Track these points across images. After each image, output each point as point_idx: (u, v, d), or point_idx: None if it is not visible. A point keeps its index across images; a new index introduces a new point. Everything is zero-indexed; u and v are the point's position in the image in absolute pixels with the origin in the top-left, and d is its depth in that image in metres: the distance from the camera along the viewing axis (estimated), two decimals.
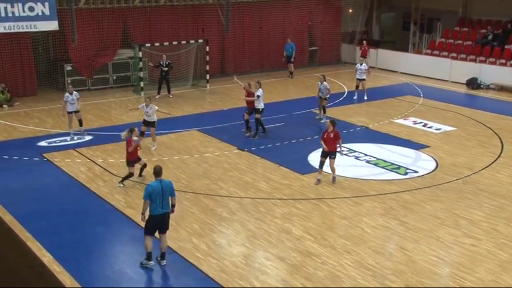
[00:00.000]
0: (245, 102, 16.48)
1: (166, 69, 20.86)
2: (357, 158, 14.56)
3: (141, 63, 21.45)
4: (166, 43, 22.02)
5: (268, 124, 17.23)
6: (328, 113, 18.50)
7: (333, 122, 12.84)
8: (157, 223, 9.11)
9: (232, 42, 24.92)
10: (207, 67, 23.04)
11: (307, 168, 13.85)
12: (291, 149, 15.35)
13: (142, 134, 15.06)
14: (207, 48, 22.80)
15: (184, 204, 11.75)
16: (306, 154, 14.81)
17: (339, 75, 24.23)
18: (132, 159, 12.54)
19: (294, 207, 11.69)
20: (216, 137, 16.37)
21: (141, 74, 21.64)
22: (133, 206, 11.65)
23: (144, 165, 12.92)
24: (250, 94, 16.35)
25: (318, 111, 18.40)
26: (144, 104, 15.09)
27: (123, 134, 12.66)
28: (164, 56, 20.96)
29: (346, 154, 14.45)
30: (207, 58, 22.91)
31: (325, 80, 17.98)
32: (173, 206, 9.26)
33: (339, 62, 27.95)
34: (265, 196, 12.22)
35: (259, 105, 16.07)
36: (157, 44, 21.88)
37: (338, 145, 12.78)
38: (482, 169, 13.80)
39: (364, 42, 25.60)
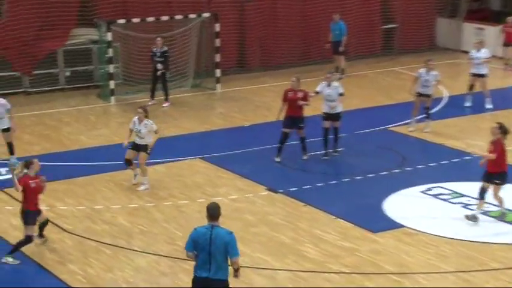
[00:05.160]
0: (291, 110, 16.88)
1: (161, 60, 21.19)
2: (466, 206, 14.56)
3: (110, 50, 21.69)
4: (150, 19, 22.29)
5: (314, 149, 17.24)
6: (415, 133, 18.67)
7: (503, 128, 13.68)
8: None
9: (258, 18, 25.11)
10: (217, 57, 23.21)
11: (381, 223, 13.82)
12: (356, 191, 15.30)
13: (129, 163, 15.42)
14: (217, 27, 23.00)
15: (181, 280, 11.69)
16: (379, 199, 14.75)
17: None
18: (31, 209, 12.27)
19: (363, 285, 11.61)
20: (232, 170, 16.38)
21: (111, 68, 21.86)
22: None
23: (46, 222, 12.75)
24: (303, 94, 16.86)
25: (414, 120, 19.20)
26: (136, 119, 15.33)
27: (16, 170, 12.48)
28: (159, 39, 21.30)
29: (448, 200, 14.69)
30: (217, 43, 23.09)
31: (431, 68, 18.83)
32: (235, 270, 9.50)
33: (433, 48, 27.90)
34: (313, 267, 12.15)
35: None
36: (136, 20, 22.15)
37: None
38: None
39: (510, 18, 25.48)
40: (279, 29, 25.58)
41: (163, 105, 21.53)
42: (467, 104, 21.32)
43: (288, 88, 16.96)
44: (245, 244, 12.91)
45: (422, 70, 18.92)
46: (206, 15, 23.06)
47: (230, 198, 14.94)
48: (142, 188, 15.43)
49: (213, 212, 9.43)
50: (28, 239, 12.27)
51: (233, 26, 24.76)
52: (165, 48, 21.33)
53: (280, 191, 15.30)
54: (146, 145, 15.29)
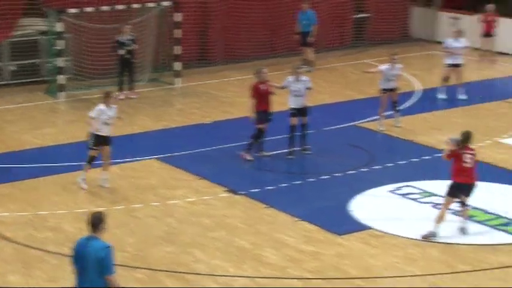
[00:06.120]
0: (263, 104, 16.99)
1: (131, 48, 21.32)
2: (435, 206, 14.54)
3: (60, 42, 21.64)
4: (104, 7, 22.31)
5: (278, 147, 17.34)
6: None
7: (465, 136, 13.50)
8: None
9: (222, 7, 25.14)
10: (177, 50, 23.25)
11: (347, 225, 13.92)
12: (321, 191, 15.39)
13: (91, 160, 15.36)
14: (177, 17, 23.03)
15: None
16: (345, 200, 14.86)
17: (408, 62, 24.26)
18: None
19: None
20: (190, 170, 16.43)
21: (61, 62, 21.82)
22: None
23: None
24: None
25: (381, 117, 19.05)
26: (102, 106, 15.18)
27: None
28: (127, 27, 21.43)
29: (417, 199, 14.83)
30: (178, 34, 23.13)
31: (395, 63, 18.94)
32: None
33: (406, 39, 28.08)
34: (273, 273, 12.19)
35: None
36: (88, 10, 22.12)
37: None
38: None
39: (489, 7, 25.50)
40: (243, 19, 25.64)
41: (133, 96, 21.66)
42: (442, 96, 21.54)
43: (257, 82, 17.00)
44: (202, 250, 13.01)
45: (386, 66, 18.94)
46: (166, 3, 23.03)
47: (187, 201, 14.95)
48: (108, 184, 15.49)
49: (93, 221, 9.05)
50: None
51: (195, 15, 24.75)
52: (134, 36, 21.56)
53: (241, 192, 15.34)
54: (110, 136, 15.39)
